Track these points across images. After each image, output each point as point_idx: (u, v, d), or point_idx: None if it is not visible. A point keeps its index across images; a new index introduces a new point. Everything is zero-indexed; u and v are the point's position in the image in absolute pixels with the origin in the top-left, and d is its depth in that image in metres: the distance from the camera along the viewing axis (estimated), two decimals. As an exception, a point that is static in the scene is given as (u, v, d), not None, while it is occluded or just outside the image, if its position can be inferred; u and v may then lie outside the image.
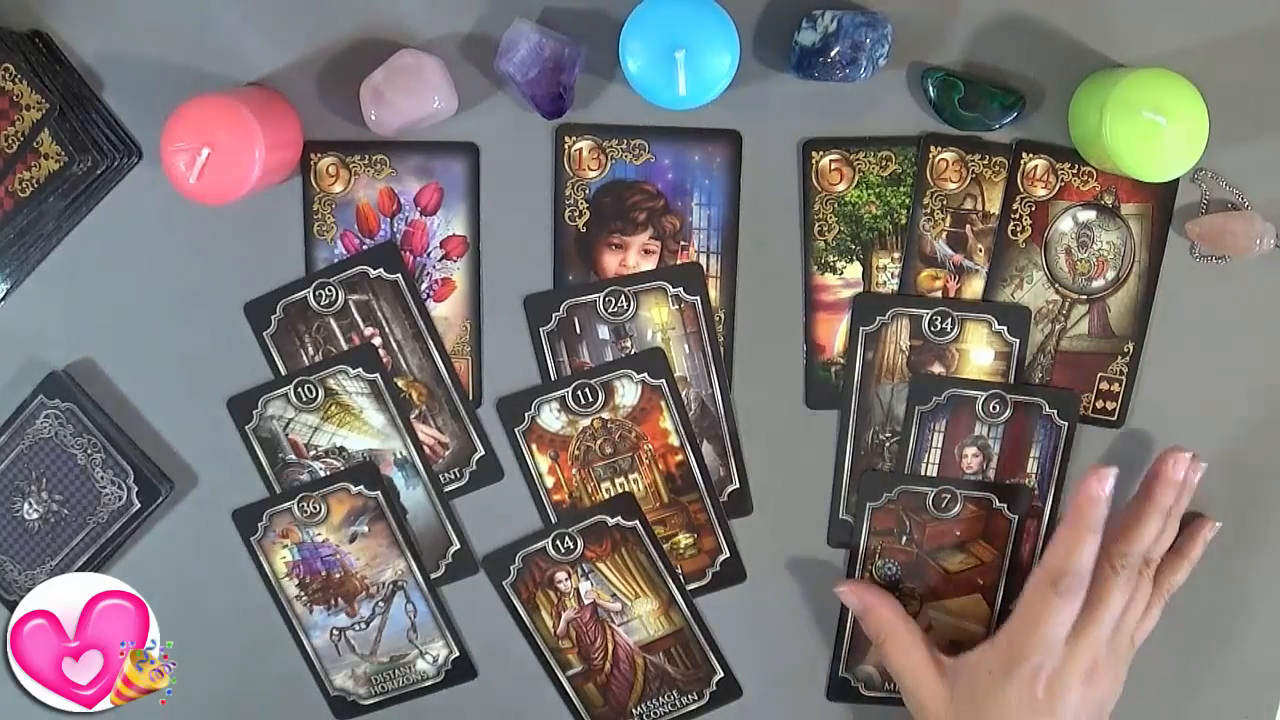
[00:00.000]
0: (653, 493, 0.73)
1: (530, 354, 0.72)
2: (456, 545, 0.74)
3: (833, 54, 0.64)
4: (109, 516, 0.73)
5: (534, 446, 0.73)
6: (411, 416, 0.73)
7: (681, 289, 0.71)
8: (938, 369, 0.71)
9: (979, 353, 0.71)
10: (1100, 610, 0.65)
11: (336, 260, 0.71)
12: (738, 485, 0.73)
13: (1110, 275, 0.70)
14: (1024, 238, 0.70)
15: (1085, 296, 0.70)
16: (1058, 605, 0.65)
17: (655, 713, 0.76)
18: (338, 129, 0.70)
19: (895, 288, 0.71)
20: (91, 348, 0.73)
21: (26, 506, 0.74)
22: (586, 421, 0.72)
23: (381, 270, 0.71)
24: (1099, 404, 0.71)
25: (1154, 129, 0.62)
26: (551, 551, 0.73)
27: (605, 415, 0.72)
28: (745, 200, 0.70)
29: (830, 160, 0.69)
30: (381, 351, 0.72)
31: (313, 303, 0.71)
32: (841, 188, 0.70)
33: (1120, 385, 0.71)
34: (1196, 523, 0.71)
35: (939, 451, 0.72)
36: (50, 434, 0.73)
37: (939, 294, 0.71)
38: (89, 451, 0.73)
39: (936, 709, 0.68)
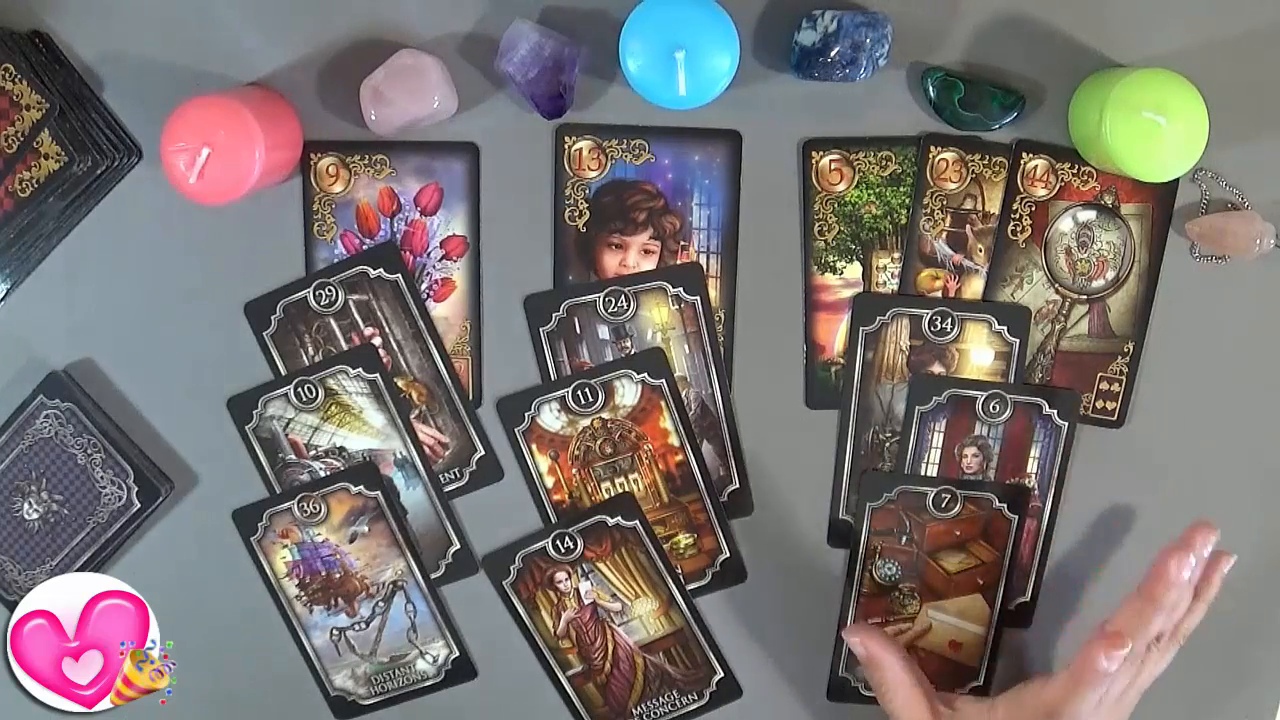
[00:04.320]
0: (653, 493, 0.73)
1: (530, 354, 0.72)
2: (456, 545, 0.74)
3: (833, 54, 0.64)
4: (109, 516, 0.73)
5: (534, 446, 0.73)
6: (411, 416, 0.73)
7: (681, 289, 0.71)
8: (938, 369, 0.71)
9: (979, 353, 0.71)
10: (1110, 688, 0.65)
11: (336, 260, 0.71)
12: (738, 485, 0.73)
13: (1110, 275, 0.70)
14: (1024, 238, 0.70)
15: (1085, 296, 0.70)
16: (1101, 680, 0.64)
17: (655, 713, 0.76)
18: (338, 129, 0.70)
19: (895, 288, 0.71)
20: (91, 348, 0.73)
21: (26, 506, 0.74)
22: (586, 421, 0.72)
23: (381, 270, 0.71)
24: (1099, 404, 0.71)
25: (1154, 129, 0.62)
26: (551, 551, 0.73)
27: (605, 415, 0.72)
28: (745, 200, 0.70)
29: (830, 160, 0.69)
30: (381, 351, 0.72)
31: (313, 303, 0.72)
32: (841, 188, 0.70)
33: (1120, 385, 0.71)
34: (1212, 558, 0.67)
35: (939, 451, 0.72)
36: (50, 434, 0.73)
37: (939, 294, 0.71)
38: (89, 451, 0.73)
39: None
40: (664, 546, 0.73)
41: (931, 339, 0.71)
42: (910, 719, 0.68)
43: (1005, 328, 0.70)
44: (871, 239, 0.70)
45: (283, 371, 0.72)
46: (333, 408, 0.73)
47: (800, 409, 0.72)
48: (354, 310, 0.72)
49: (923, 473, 0.72)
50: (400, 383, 0.72)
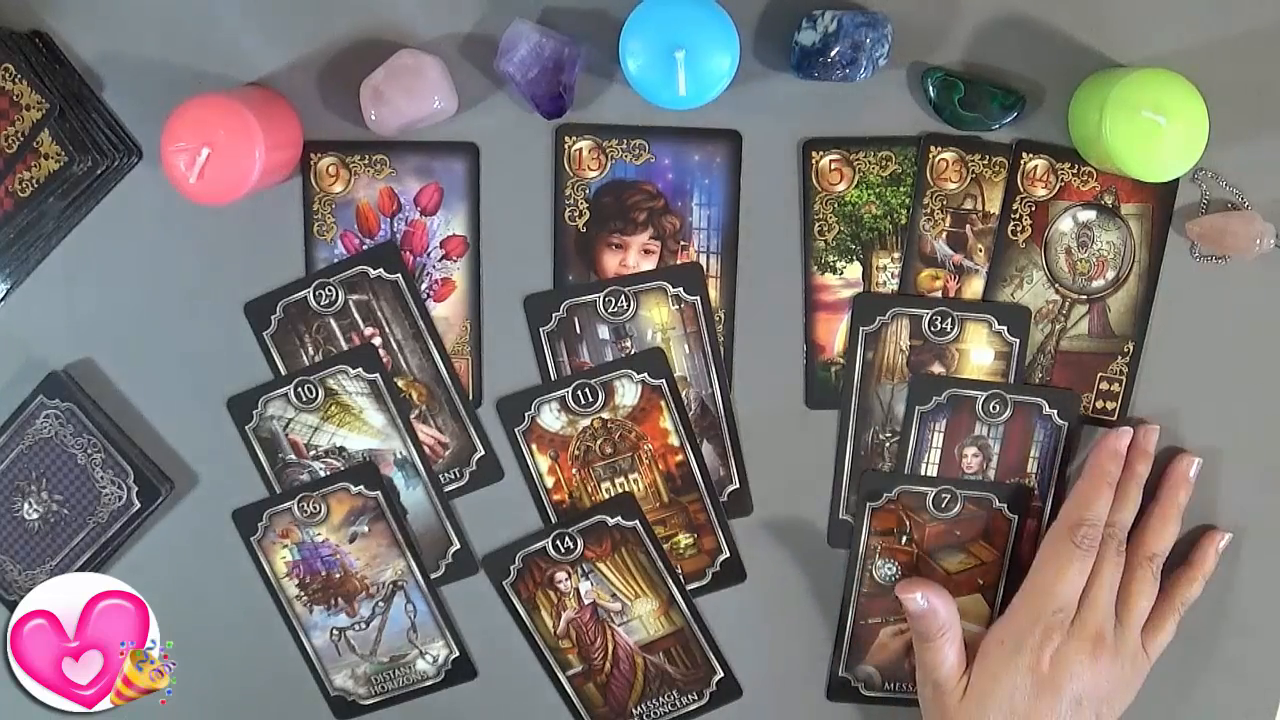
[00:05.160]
0: (653, 493, 0.73)
1: (530, 354, 0.72)
2: (456, 545, 0.74)
3: (833, 54, 0.64)
4: (109, 516, 0.73)
5: (534, 446, 0.73)
6: (411, 416, 0.73)
7: (681, 289, 0.71)
8: (938, 369, 0.71)
9: (979, 353, 0.71)
10: (1093, 583, 0.67)
11: (336, 260, 0.71)
12: (738, 485, 0.73)
13: (1110, 275, 0.70)
14: (1024, 238, 0.70)
15: (1085, 296, 0.70)
16: (1075, 556, 0.66)
17: (655, 713, 0.76)
18: (338, 129, 0.70)
19: (895, 288, 0.71)
20: (91, 348, 0.73)
21: (26, 506, 0.74)
22: (586, 421, 0.72)
23: (381, 270, 0.71)
24: (1099, 404, 0.71)
25: (1154, 129, 0.62)
26: (551, 551, 0.73)
27: (605, 415, 0.72)
28: (745, 200, 0.70)
29: (830, 160, 0.69)
30: (381, 351, 0.72)
31: (313, 303, 0.72)
32: (841, 188, 0.70)
33: (1120, 385, 0.71)
34: (1207, 535, 0.70)
35: (939, 451, 0.72)
36: (50, 434, 0.73)
37: (939, 294, 0.71)
38: (89, 451, 0.73)
39: (953, 695, 0.68)
40: (664, 546, 0.73)
41: (931, 339, 0.71)
42: (950, 662, 0.68)
43: (1005, 328, 0.70)
44: (871, 239, 0.70)
45: (283, 371, 0.72)
46: (333, 408, 0.73)
47: (800, 409, 0.72)
48: (354, 310, 0.72)
49: (923, 473, 0.72)
50: (400, 383, 0.72)
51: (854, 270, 0.70)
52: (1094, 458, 0.69)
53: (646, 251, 0.71)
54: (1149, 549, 0.68)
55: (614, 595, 0.74)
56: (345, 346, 0.72)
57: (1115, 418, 0.71)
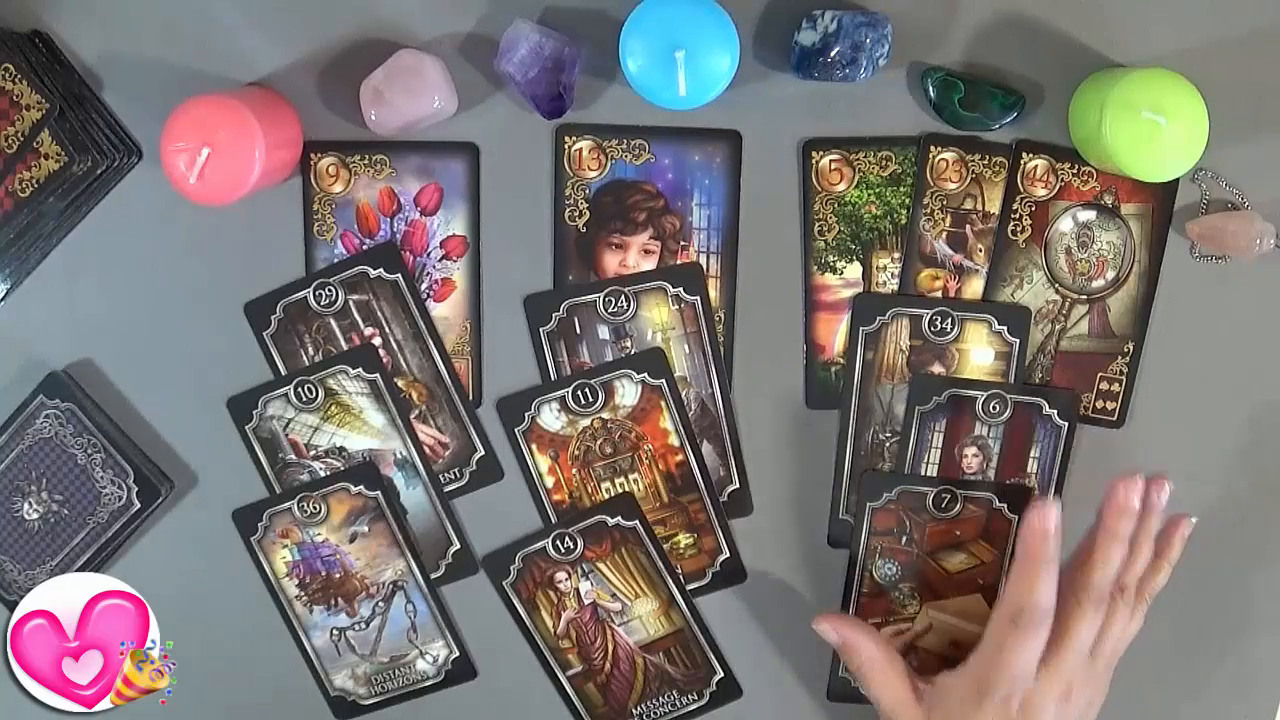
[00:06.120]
0: (653, 493, 0.73)
1: (530, 354, 0.72)
2: (456, 545, 0.74)
3: (833, 54, 0.64)
4: (109, 516, 0.73)
5: (534, 446, 0.73)
6: (411, 416, 0.73)
7: (681, 289, 0.71)
8: (938, 369, 0.71)
9: (979, 353, 0.71)
10: (1068, 642, 0.64)
11: (336, 260, 0.71)
12: (738, 485, 0.73)
13: (1110, 275, 0.70)
14: (1024, 238, 0.70)
15: (1085, 296, 0.70)
16: (1019, 640, 0.63)
17: (655, 713, 0.76)
18: (338, 129, 0.70)
19: (895, 288, 0.71)
20: (91, 348, 0.73)
21: (26, 506, 0.74)
22: (586, 421, 0.72)
23: (381, 270, 0.71)
24: (1099, 404, 0.71)
25: (1154, 129, 0.62)
26: (551, 551, 0.73)
27: (605, 415, 0.72)
28: (745, 200, 0.70)
29: (830, 160, 0.69)
30: (381, 351, 0.72)
31: (313, 303, 0.72)
32: (841, 188, 0.70)
33: (1120, 385, 0.71)
34: (1172, 521, 0.68)
35: (939, 451, 0.72)
36: (50, 434, 0.73)
37: (939, 294, 0.71)
38: (89, 451, 0.73)
39: None
40: (664, 546, 0.73)
41: (931, 339, 0.71)
42: (892, 697, 0.68)
43: (1005, 328, 0.70)
44: (871, 239, 0.70)
45: (283, 371, 0.72)
46: (333, 408, 0.73)
47: (800, 409, 0.72)
48: (354, 310, 0.72)
49: (923, 473, 0.72)
50: (400, 383, 0.72)
51: (854, 270, 0.71)
52: (1020, 540, 0.65)
53: (646, 251, 0.71)
54: (1120, 580, 0.65)
55: (614, 595, 0.74)
56: (345, 346, 0.72)
57: (1115, 418, 0.71)
